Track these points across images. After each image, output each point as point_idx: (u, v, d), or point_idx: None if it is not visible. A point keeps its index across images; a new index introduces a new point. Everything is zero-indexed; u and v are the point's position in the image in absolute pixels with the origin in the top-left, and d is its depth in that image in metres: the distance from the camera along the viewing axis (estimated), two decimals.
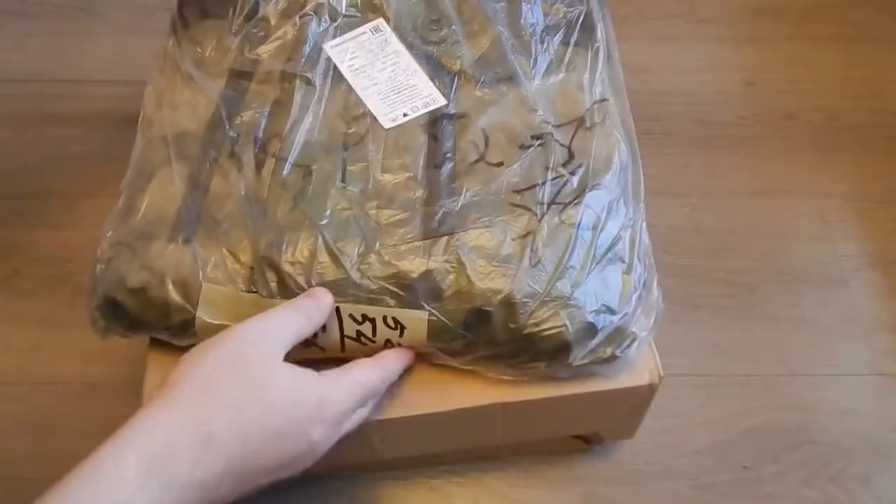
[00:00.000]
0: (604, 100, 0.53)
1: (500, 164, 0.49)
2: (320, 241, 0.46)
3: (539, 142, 0.50)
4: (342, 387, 0.43)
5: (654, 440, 0.62)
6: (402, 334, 0.46)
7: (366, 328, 0.45)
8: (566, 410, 0.51)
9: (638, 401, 0.52)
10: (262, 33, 0.56)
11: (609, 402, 0.51)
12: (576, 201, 0.48)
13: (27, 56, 0.86)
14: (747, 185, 0.77)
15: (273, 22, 0.56)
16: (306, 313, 0.44)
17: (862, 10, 0.90)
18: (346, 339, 0.46)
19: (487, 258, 0.46)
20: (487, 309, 0.45)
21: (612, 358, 0.47)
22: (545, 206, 0.48)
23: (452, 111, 0.53)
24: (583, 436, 0.59)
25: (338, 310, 0.45)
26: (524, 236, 0.46)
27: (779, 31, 0.89)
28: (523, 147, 0.50)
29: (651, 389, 0.49)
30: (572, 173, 0.49)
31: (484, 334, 0.46)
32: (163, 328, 0.47)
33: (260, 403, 0.39)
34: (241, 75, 0.54)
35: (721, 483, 0.60)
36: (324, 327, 0.45)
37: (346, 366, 0.44)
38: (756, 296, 0.70)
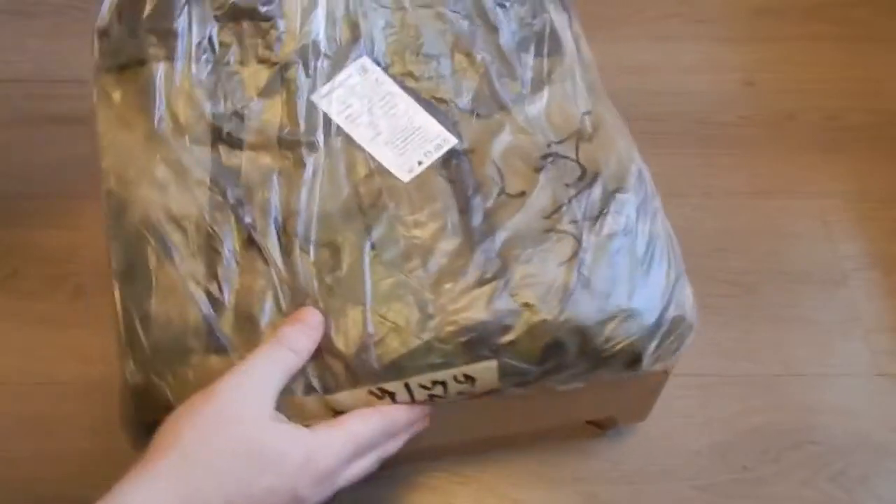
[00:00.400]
0: (588, 112, 0.52)
1: (522, 194, 0.48)
2: (369, 318, 0.44)
3: (549, 160, 0.49)
4: (334, 439, 0.42)
5: (654, 440, 0.62)
6: (474, 385, 0.45)
7: (437, 390, 0.44)
8: (582, 396, 0.51)
9: (652, 385, 0.52)
10: (237, 76, 0.50)
11: (624, 387, 0.51)
12: (604, 211, 0.47)
13: (27, 56, 0.86)
14: (747, 185, 0.77)
15: (249, 68, 0.51)
16: (291, 346, 0.42)
17: (862, 10, 0.90)
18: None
19: (544, 290, 0.44)
20: (561, 340, 0.44)
21: (676, 350, 0.47)
22: (577, 224, 0.47)
23: (460, 148, 0.50)
24: (596, 421, 0.60)
25: (407, 385, 0.44)
26: (569, 260, 0.45)
27: (779, 31, 0.89)
28: (537, 171, 0.49)
29: (665, 374, 0.50)
30: (591, 185, 0.48)
31: (557, 363, 0.45)
32: None
33: (244, 464, 0.39)
34: (229, 142, 0.48)
35: (721, 483, 0.60)
36: (394, 400, 0.44)
37: (342, 416, 0.43)
38: (756, 296, 0.70)
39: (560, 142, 0.50)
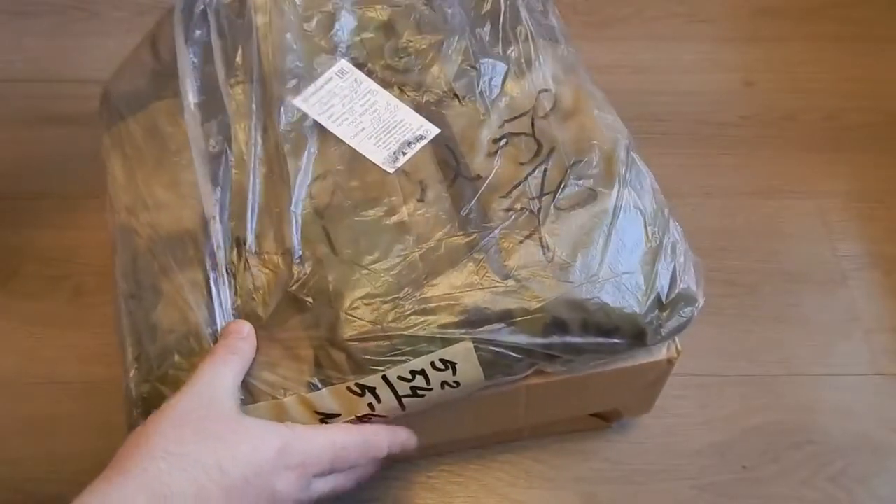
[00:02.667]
0: (545, 90, 0.52)
1: (478, 178, 0.49)
2: (341, 317, 0.44)
3: (503, 142, 0.50)
4: (313, 439, 0.42)
5: (654, 440, 0.62)
6: (455, 372, 0.44)
7: (419, 382, 0.44)
8: (588, 389, 0.52)
9: (656, 375, 0.52)
10: (224, 94, 0.52)
11: (629, 378, 0.51)
12: (562, 184, 0.48)
13: (27, 56, 0.86)
14: (747, 185, 0.77)
15: (236, 88, 0.52)
16: (236, 352, 0.43)
17: (862, 10, 0.90)
18: (404, 399, 0.45)
19: (511, 270, 0.45)
20: (560, 318, 0.44)
21: (682, 324, 0.47)
22: (535, 199, 0.47)
23: (440, 136, 0.51)
24: (601, 414, 0.60)
25: (385, 378, 0.44)
26: (529, 236, 0.46)
27: (779, 31, 0.89)
28: (491, 154, 0.50)
29: (669, 364, 0.50)
30: (547, 159, 0.49)
31: (563, 342, 0.45)
32: None
33: (217, 455, 0.38)
34: (215, 159, 0.50)
35: (721, 483, 0.60)
36: (378, 398, 0.44)
37: (326, 425, 0.44)
38: (756, 296, 0.70)
39: (512, 119, 0.51)
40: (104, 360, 0.63)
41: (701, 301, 0.48)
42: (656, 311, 0.47)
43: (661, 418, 0.62)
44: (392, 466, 0.60)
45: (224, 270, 0.46)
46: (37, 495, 0.60)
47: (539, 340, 0.45)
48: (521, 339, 0.45)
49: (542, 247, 0.46)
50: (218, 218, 0.48)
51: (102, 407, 0.60)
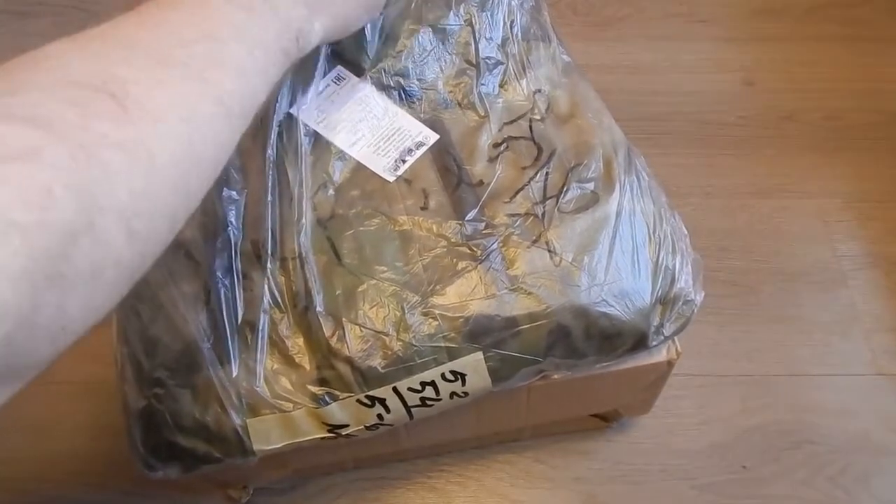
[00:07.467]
0: (538, 90, 0.52)
1: (480, 184, 0.48)
2: (347, 328, 0.43)
3: (504, 147, 0.50)
4: None
5: (654, 440, 0.62)
6: (464, 383, 0.44)
7: (428, 392, 0.44)
8: (588, 389, 0.52)
9: (656, 376, 0.52)
10: None
11: (629, 379, 0.51)
12: (564, 188, 0.47)
13: None
14: (747, 185, 0.77)
15: None
16: None
17: (862, 10, 0.90)
18: (413, 409, 0.45)
19: (517, 276, 0.45)
20: (564, 324, 0.44)
21: (687, 321, 0.47)
22: (541, 204, 0.47)
23: (440, 142, 0.50)
24: (601, 414, 0.60)
25: (395, 389, 0.43)
26: (536, 241, 0.46)
27: (779, 31, 0.89)
28: (492, 159, 0.49)
29: (669, 365, 0.50)
30: (548, 163, 0.49)
31: (562, 351, 0.45)
32: (238, 455, 0.44)
33: None
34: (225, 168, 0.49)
35: (721, 483, 0.60)
36: (387, 409, 0.44)
37: None
38: (756, 296, 0.70)
39: (511, 122, 0.51)
40: (104, 360, 0.62)
41: (700, 298, 0.48)
42: (657, 311, 0.47)
43: (661, 418, 0.62)
44: (392, 466, 0.60)
45: (235, 278, 0.45)
46: (37, 495, 0.60)
47: (545, 348, 0.45)
48: (528, 347, 0.44)
49: (550, 251, 0.45)
50: (231, 225, 0.47)
51: (102, 407, 0.60)
